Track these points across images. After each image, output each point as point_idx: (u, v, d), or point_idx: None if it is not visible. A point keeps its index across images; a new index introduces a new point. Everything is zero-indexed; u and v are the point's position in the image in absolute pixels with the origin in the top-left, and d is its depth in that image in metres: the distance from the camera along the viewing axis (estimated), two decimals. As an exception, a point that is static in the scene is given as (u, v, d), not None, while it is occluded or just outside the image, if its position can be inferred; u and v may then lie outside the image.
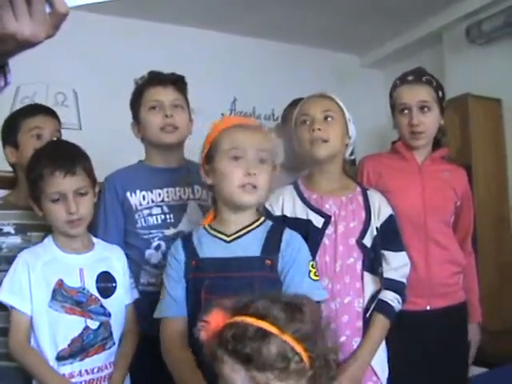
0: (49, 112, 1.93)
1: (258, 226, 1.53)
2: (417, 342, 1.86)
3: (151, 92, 1.90)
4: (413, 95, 1.98)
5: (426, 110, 1.98)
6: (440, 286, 1.95)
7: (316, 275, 1.51)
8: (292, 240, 1.51)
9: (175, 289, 1.51)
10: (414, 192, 1.97)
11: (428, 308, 1.94)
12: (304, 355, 0.96)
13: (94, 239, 1.76)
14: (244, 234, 1.51)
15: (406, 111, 1.98)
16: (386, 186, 1.92)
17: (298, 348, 0.96)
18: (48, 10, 0.86)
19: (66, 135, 1.96)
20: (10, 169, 1.98)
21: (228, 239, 1.51)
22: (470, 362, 2.13)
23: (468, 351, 2.08)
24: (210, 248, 1.52)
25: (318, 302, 1.48)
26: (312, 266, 1.51)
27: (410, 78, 2.02)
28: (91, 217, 1.71)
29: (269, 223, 1.56)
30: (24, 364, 1.59)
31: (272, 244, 1.49)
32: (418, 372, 1.84)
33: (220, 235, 1.53)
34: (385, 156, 2.12)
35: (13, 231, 1.79)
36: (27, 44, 0.87)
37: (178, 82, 1.94)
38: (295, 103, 2.32)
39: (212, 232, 1.54)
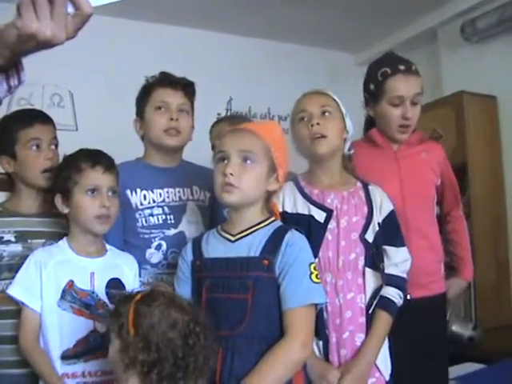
0: (45, 119, 1.89)
1: (264, 226, 1.52)
2: (398, 330, 1.77)
3: (160, 92, 1.89)
4: (408, 87, 1.93)
5: (416, 102, 1.94)
6: (423, 276, 1.92)
7: (317, 278, 1.46)
8: (294, 240, 1.48)
9: (182, 289, 1.54)
10: (392, 181, 1.92)
11: (409, 297, 1.88)
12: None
13: (108, 246, 1.77)
14: (248, 234, 1.50)
15: (398, 103, 1.93)
16: (362, 175, 1.84)
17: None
18: (71, 10, 0.87)
19: (62, 136, 1.94)
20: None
21: (233, 239, 1.51)
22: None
23: (447, 346, 2.07)
24: (214, 248, 1.53)
25: (316, 305, 1.48)
26: (314, 267, 1.46)
27: (402, 67, 1.94)
28: (115, 219, 1.72)
29: (277, 224, 1.55)
30: (30, 362, 1.60)
31: (273, 244, 1.47)
32: (403, 362, 1.78)
33: (226, 235, 1.53)
34: (358, 144, 1.96)
35: (13, 239, 1.77)
36: (47, 44, 0.88)
37: (187, 87, 1.93)
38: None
39: (220, 232, 1.55)
